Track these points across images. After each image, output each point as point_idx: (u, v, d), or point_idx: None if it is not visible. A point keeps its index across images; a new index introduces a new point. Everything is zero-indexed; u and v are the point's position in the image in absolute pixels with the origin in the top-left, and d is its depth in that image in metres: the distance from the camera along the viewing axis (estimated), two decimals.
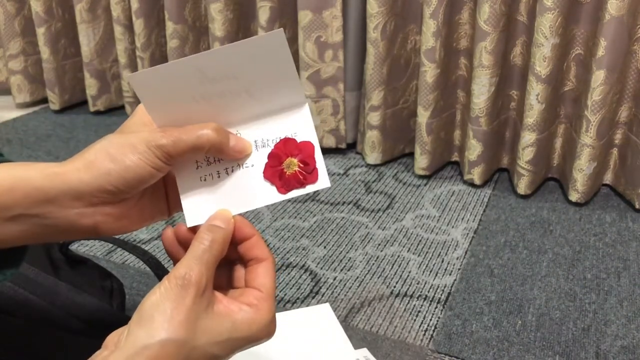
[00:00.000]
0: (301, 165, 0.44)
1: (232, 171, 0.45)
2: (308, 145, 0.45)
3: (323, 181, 0.45)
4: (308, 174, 0.45)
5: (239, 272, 0.45)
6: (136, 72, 0.42)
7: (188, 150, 0.42)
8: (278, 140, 0.45)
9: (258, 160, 0.45)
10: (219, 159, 0.45)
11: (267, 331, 0.42)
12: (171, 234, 0.46)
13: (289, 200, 1.20)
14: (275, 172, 0.45)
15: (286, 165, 0.45)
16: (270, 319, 0.42)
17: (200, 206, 0.45)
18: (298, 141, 0.45)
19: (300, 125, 0.45)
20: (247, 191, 0.45)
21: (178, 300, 0.39)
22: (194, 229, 0.44)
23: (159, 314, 0.38)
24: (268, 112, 0.45)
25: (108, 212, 0.42)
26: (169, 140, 0.41)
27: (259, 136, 0.45)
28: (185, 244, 0.45)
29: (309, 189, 0.45)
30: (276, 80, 0.44)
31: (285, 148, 0.45)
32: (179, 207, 0.47)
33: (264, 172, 0.45)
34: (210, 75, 0.43)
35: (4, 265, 0.44)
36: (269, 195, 0.45)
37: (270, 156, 0.45)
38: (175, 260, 0.46)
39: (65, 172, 0.40)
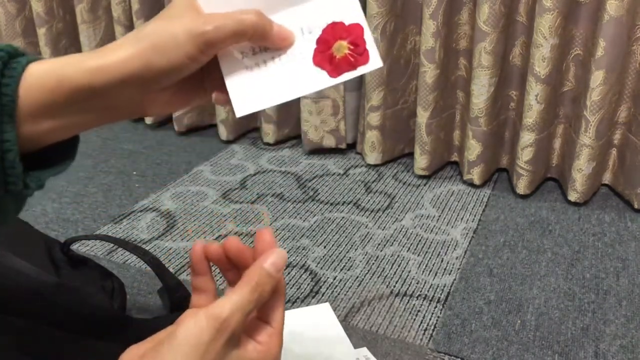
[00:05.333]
0: (351, 47, 0.44)
1: (279, 59, 0.44)
2: (357, 27, 0.44)
3: (375, 61, 0.44)
4: (359, 55, 0.44)
5: None
6: None
7: (231, 36, 0.42)
8: (325, 26, 0.44)
9: (305, 46, 0.44)
10: (264, 48, 0.44)
11: None
12: (200, 248, 0.47)
13: (289, 200, 1.20)
14: (324, 56, 0.44)
15: (335, 48, 0.44)
16: (278, 351, 0.44)
17: (247, 95, 0.44)
18: (346, 24, 0.44)
19: (346, 8, 0.44)
20: (296, 78, 0.44)
21: (211, 343, 0.40)
22: (227, 248, 0.46)
23: (192, 351, 0.40)
24: None
25: (152, 98, 0.43)
26: (212, 27, 0.41)
27: (304, 23, 0.44)
28: (215, 260, 0.47)
29: (361, 70, 0.44)
30: None
31: (334, 32, 0.44)
32: (216, 90, 0.46)
33: (313, 58, 0.44)
34: None
35: (63, 157, 0.44)
36: (320, 80, 0.44)
37: (318, 41, 0.44)
38: (195, 273, 0.47)
39: (108, 66, 0.40)
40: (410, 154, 1.36)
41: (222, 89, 0.46)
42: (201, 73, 0.45)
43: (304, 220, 1.13)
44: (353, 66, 0.44)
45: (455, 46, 1.24)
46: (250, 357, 0.43)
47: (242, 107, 0.44)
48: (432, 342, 0.82)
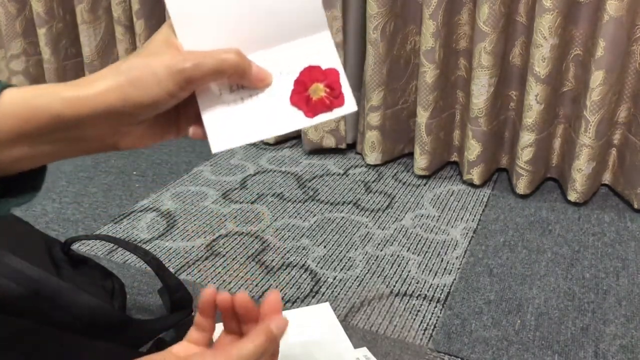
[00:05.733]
0: (327, 90, 0.45)
1: (257, 97, 0.45)
2: (333, 71, 0.45)
3: (350, 105, 0.45)
4: (335, 98, 0.45)
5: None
6: None
7: (210, 74, 0.42)
8: (302, 68, 0.45)
9: (283, 87, 0.45)
10: (242, 86, 0.45)
11: None
12: (212, 294, 0.49)
13: (289, 200, 1.20)
14: (301, 97, 0.45)
15: (312, 90, 0.45)
16: None
17: (224, 131, 0.45)
18: (323, 68, 0.45)
19: (324, 52, 0.45)
20: (273, 117, 0.45)
21: None
22: (237, 302, 0.48)
23: None
24: (291, 37, 0.45)
25: (126, 132, 0.44)
26: (191, 64, 0.41)
27: (283, 63, 0.45)
28: (221, 308, 0.49)
29: (337, 112, 0.45)
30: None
31: (311, 74, 0.45)
32: (190, 126, 0.47)
33: (290, 98, 0.45)
34: None
35: (28, 188, 0.45)
36: (297, 120, 0.45)
37: (296, 82, 0.45)
38: (201, 313, 0.50)
39: (85, 97, 0.41)
40: (410, 154, 1.37)
41: (199, 123, 0.46)
42: (176, 108, 0.46)
43: (304, 220, 1.13)
44: (329, 108, 0.45)
45: (455, 46, 1.24)
46: None
47: (218, 143, 0.44)
48: (432, 342, 0.82)
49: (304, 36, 0.45)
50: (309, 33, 0.45)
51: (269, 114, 0.45)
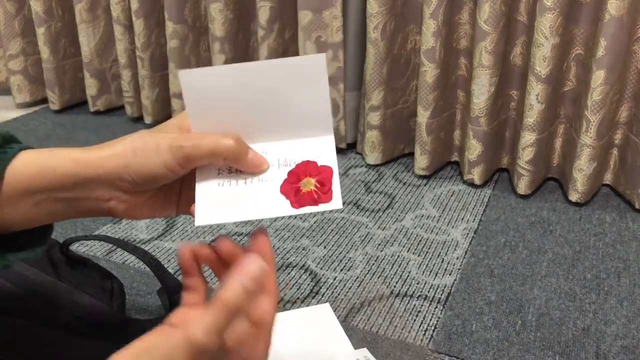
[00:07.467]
0: (317, 185, 0.47)
1: (251, 181, 0.48)
2: (327, 169, 0.48)
3: (336, 202, 0.47)
4: (323, 194, 0.47)
5: None
6: (188, 69, 0.45)
7: (207, 155, 0.45)
8: (300, 162, 0.48)
9: (277, 176, 0.47)
10: (240, 170, 0.48)
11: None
12: (189, 253, 0.47)
13: None
14: (291, 188, 0.47)
15: (303, 183, 0.47)
16: (265, 351, 0.45)
17: (211, 207, 0.47)
18: (319, 164, 0.48)
19: (322, 151, 0.48)
20: (260, 201, 0.47)
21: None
22: (219, 251, 0.47)
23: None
24: (295, 134, 0.48)
25: (124, 199, 0.46)
26: (191, 143, 0.45)
27: (282, 155, 0.48)
28: (207, 263, 0.48)
29: (322, 207, 0.47)
30: (309, 104, 0.47)
31: (306, 168, 0.48)
32: (186, 210, 0.50)
33: (280, 187, 0.47)
34: (252, 86, 0.46)
35: (34, 243, 0.48)
36: (282, 207, 0.47)
37: (290, 173, 0.47)
38: (185, 275, 0.47)
39: (90, 158, 0.44)
40: (411, 154, 1.36)
41: None
42: (179, 187, 0.49)
43: (304, 221, 1.13)
44: (315, 202, 0.47)
45: (456, 46, 1.24)
46: None
47: (204, 217, 0.47)
48: (433, 342, 0.82)
49: (308, 137, 0.48)
50: (314, 135, 0.48)
51: (257, 198, 0.47)
